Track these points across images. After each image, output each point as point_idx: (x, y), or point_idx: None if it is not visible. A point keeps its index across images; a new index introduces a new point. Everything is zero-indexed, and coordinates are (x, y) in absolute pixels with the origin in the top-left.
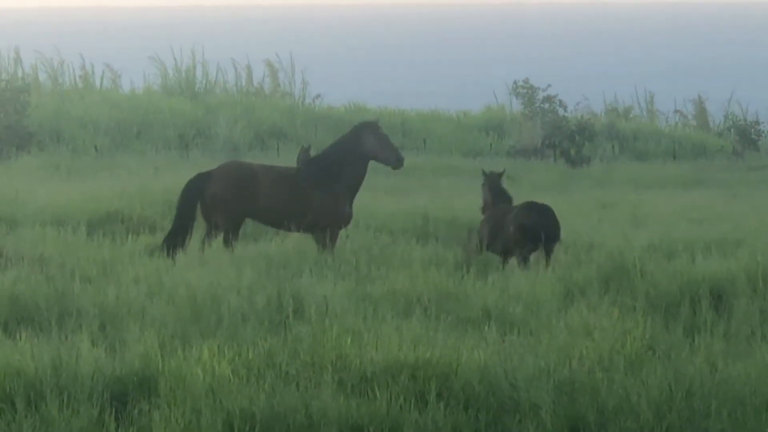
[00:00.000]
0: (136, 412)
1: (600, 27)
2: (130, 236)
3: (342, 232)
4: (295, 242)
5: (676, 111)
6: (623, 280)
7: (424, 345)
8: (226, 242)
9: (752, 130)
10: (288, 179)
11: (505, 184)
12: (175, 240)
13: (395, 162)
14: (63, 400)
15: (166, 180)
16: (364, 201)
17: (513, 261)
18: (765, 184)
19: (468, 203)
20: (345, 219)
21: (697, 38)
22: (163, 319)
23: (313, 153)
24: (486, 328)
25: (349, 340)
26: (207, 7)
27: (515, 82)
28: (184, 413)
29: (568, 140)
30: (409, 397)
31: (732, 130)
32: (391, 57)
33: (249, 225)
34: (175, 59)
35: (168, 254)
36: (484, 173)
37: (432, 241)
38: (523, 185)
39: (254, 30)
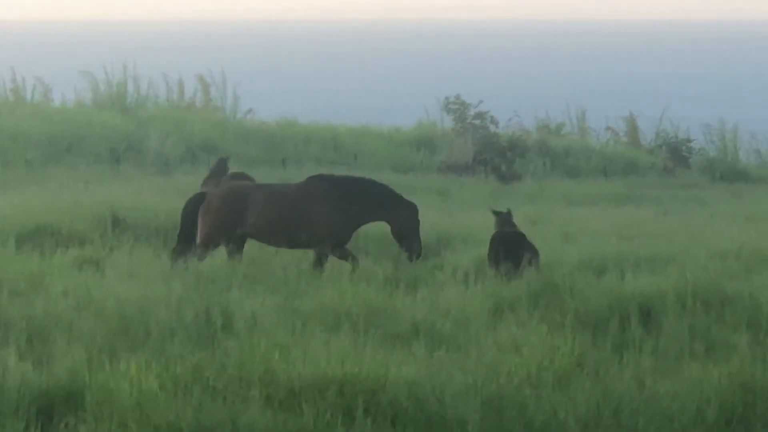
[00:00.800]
0: (62, 426)
1: (532, 44)
2: (59, 249)
3: (272, 247)
4: (224, 257)
5: (607, 128)
6: (553, 296)
7: (352, 360)
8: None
9: (683, 147)
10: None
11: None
12: (180, 250)
13: (415, 252)
14: None
15: (97, 194)
16: None
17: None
18: (696, 201)
19: None
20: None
21: (629, 55)
22: (91, 332)
23: (230, 164)
24: (414, 343)
25: (277, 355)
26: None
27: (447, 98)
28: (110, 428)
29: (499, 156)
30: (337, 413)
31: (663, 147)
32: (323, 72)
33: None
34: (106, 73)
35: (173, 262)
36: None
37: (362, 256)
38: (454, 201)
39: (186, 45)
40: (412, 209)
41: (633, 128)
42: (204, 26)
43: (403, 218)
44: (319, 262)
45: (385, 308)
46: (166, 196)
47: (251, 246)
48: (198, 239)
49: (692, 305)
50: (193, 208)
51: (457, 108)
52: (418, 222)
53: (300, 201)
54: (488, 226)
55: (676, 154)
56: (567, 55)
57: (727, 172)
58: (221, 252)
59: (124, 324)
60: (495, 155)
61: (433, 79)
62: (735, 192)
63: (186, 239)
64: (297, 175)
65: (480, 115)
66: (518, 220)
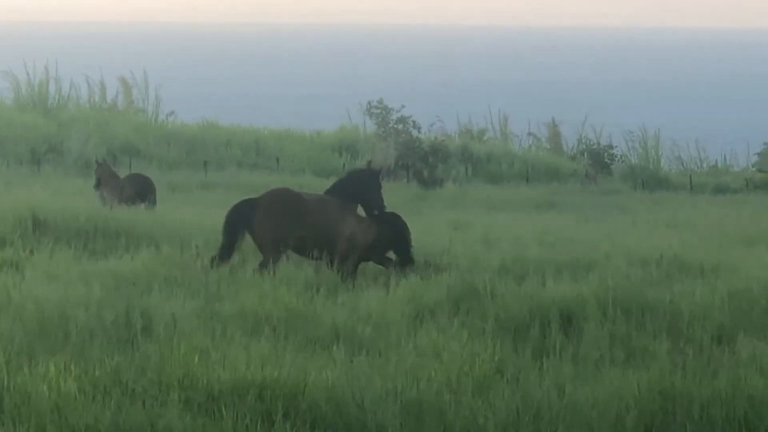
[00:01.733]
0: None
1: (455, 48)
2: None
3: (192, 250)
4: (145, 260)
5: (530, 134)
6: (474, 302)
7: (272, 364)
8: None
9: (605, 154)
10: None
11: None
12: (222, 255)
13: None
14: None
15: (18, 195)
16: (215, 219)
17: (365, 281)
18: (617, 208)
19: None
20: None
21: (553, 62)
22: (9, 334)
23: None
24: (335, 348)
25: (196, 359)
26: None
27: (369, 103)
28: (28, 430)
29: (422, 161)
30: (256, 417)
31: (585, 153)
32: (245, 75)
33: (99, 241)
34: (27, 74)
35: (212, 267)
36: None
37: (283, 260)
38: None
39: (108, 46)
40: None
41: (555, 134)
42: (127, 27)
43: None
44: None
45: (306, 313)
46: (87, 198)
47: (171, 248)
48: (266, 243)
49: (613, 312)
50: (239, 215)
51: (379, 112)
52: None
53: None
54: (411, 230)
55: (598, 160)
56: (490, 60)
57: (649, 179)
58: (141, 254)
59: (43, 326)
60: (417, 160)
61: (355, 84)
62: (656, 199)
63: (230, 247)
64: (218, 178)
65: (402, 120)
66: (440, 225)
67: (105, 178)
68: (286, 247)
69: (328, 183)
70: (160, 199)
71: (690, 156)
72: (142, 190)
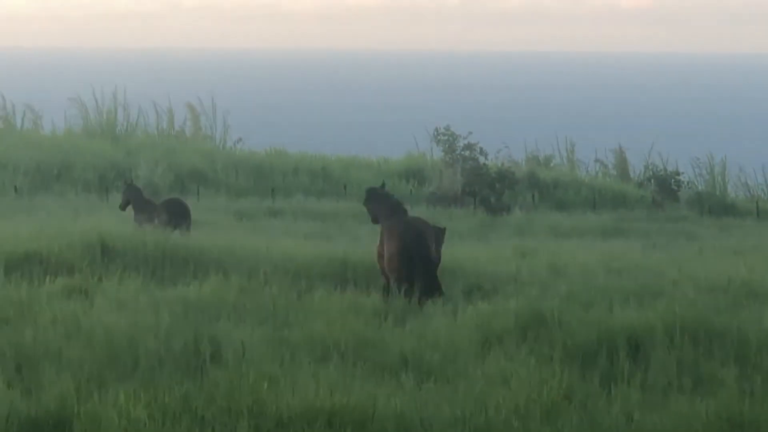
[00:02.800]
0: None
1: (523, 76)
2: (48, 278)
3: (260, 277)
4: (213, 287)
5: (596, 160)
6: (541, 329)
7: (341, 391)
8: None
9: (672, 180)
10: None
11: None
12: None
13: None
14: None
15: (86, 222)
16: (283, 246)
17: (433, 308)
18: (684, 235)
19: None
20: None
21: (620, 88)
22: (79, 361)
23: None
24: (403, 375)
25: (265, 386)
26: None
27: (436, 129)
28: None
29: (488, 188)
30: None
31: (652, 180)
32: (313, 102)
33: (167, 269)
34: (96, 101)
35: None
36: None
37: (351, 287)
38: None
39: (176, 73)
40: None
41: (622, 161)
42: (195, 55)
43: None
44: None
45: (374, 339)
46: (155, 225)
47: (239, 276)
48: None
49: (680, 339)
50: (412, 245)
51: (446, 139)
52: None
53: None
54: (477, 257)
55: (664, 187)
56: (557, 87)
57: (716, 205)
58: (209, 281)
59: (112, 353)
60: (484, 187)
61: (423, 111)
62: (723, 226)
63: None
64: (286, 205)
65: (469, 147)
66: (507, 252)
67: (139, 204)
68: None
69: None
70: (228, 226)
71: (756, 182)
72: (177, 216)
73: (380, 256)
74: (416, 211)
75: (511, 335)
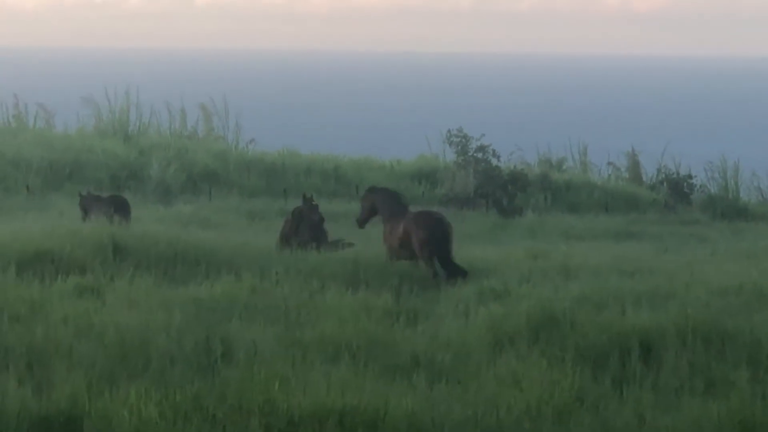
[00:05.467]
0: None
1: (535, 78)
2: (59, 276)
3: (272, 277)
4: (225, 287)
5: (609, 163)
6: (553, 330)
7: (352, 391)
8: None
9: (685, 183)
10: None
11: None
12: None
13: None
14: None
15: (98, 221)
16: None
17: (445, 309)
18: (696, 238)
19: None
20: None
21: (632, 90)
22: (91, 359)
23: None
24: (414, 375)
25: (277, 385)
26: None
27: (449, 131)
28: None
29: (501, 190)
30: None
31: (665, 183)
32: (326, 103)
33: (179, 268)
34: (108, 100)
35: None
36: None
37: (362, 288)
38: (455, 234)
39: (189, 73)
40: None
41: (635, 164)
42: (207, 55)
43: None
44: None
45: (386, 340)
46: (166, 225)
47: (251, 275)
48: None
49: (692, 341)
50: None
51: (459, 141)
52: None
53: None
54: (489, 258)
55: (677, 190)
56: (570, 89)
57: (728, 209)
58: (221, 281)
59: (124, 352)
60: (496, 189)
61: (435, 113)
62: (736, 229)
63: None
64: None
65: (482, 149)
66: (519, 254)
67: (91, 204)
68: None
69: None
70: (239, 227)
71: None
72: (118, 208)
73: (400, 242)
74: None
75: (522, 336)
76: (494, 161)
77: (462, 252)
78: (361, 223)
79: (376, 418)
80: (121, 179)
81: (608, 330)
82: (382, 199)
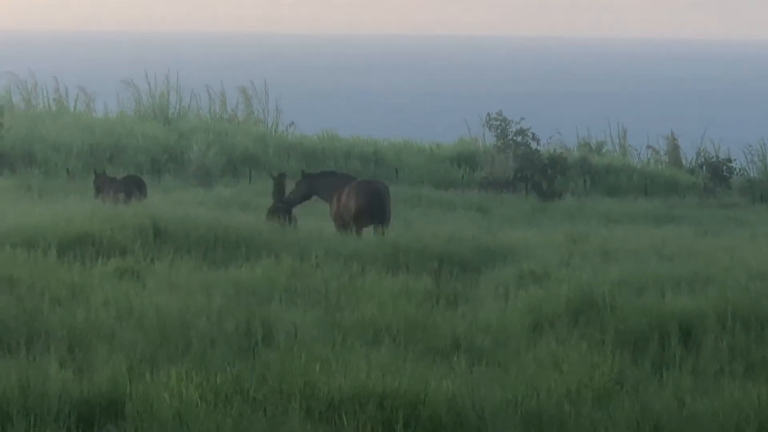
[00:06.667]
0: None
1: (575, 62)
2: (100, 259)
3: (312, 260)
4: (265, 269)
5: (648, 147)
6: (592, 314)
7: (392, 374)
8: None
9: (724, 167)
10: None
11: (472, 214)
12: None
13: None
14: (30, 422)
15: (138, 204)
16: (333, 229)
17: (484, 292)
18: (735, 221)
19: (439, 233)
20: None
21: (672, 75)
22: (131, 342)
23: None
24: (454, 358)
25: (317, 368)
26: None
27: (488, 115)
28: None
29: (540, 173)
30: (377, 426)
31: (704, 167)
32: (365, 87)
33: (219, 251)
34: (149, 84)
35: None
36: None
37: (402, 271)
38: (494, 217)
39: (229, 57)
40: None
41: (674, 147)
42: (246, 38)
43: None
44: None
45: (425, 323)
46: (206, 208)
47: (291, 258)
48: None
49: (732, 325)
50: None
51: (498, 124)
52: None
53: None
54: (529, 242)
55: (716, 174)
56: (609, 73)
57: (767, 192)
58: (261, 264)
59: (164, 334)
60: (536, 172)
61: (474, 96)
62: None
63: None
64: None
65: (521, 132)
66: (558, 237)
67: (104, 184)
68: None
69: (447, 195)
70: None
71: None
72: (134, 188)
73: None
74: (468, 196)
75: (562, 320)
76: (534, 145)
77: (501, 235)
78: (291, 203)
79: (416, 401)
80: (161, 162)
81: (648, 314)
82: (321, 181)
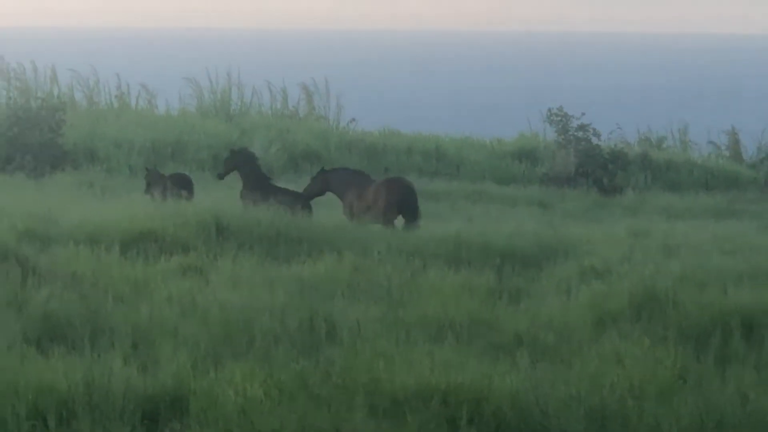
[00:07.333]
0: (167, 431)
1: (636, 57)
2: (163, 256)
3: (374, 256)
4: (328, 266)
5: (709, 142)
6: (655, 309)
7: (456, 370)
8: None
9: None
10: None
11: (534, 210)
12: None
13: None
14: (94, 418)
15: (201, 201)
16: (396, 225)
17: (547, 288)
18: None
19: (501, 229)
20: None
21: (733, 69)
22: (195, 339)
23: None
24: (518, 354)
25: (381, 364)
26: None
27: (549, 110)
28: None
29: (601, 169)
30: (441, 422)
31: (765, 161)
32: (426, 83)
33: (281, 247)
34: (210, 81)
35: None
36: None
37: (464, 267)
38: (555, 213)
39: (290, 53)
40: None
41: (735, 142)
42: (308, 34)
43: None
44: None
45: (488, 319)
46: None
47: (354, 254)
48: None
49: None
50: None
51: (559, 120)
52: None
53: None
54: (590, 237)
55: None
56: (670, 68)
57: None
58: (324, 260)
59: (228, 331)
60: (597, 168)
61: (535, 91)
62: None
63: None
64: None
65: (582, 127)
66: (620, 232)
67: (154, 180)
68: None
69: (509, 190)
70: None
71: None
72: (182, 185)
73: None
74: (529, 191)
75: (625, 315)
76: (594, 140)
77: (563, 230)
78: (307, 197)
79: (480, 396)
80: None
81: (710, 309)
82: (335, 177)
